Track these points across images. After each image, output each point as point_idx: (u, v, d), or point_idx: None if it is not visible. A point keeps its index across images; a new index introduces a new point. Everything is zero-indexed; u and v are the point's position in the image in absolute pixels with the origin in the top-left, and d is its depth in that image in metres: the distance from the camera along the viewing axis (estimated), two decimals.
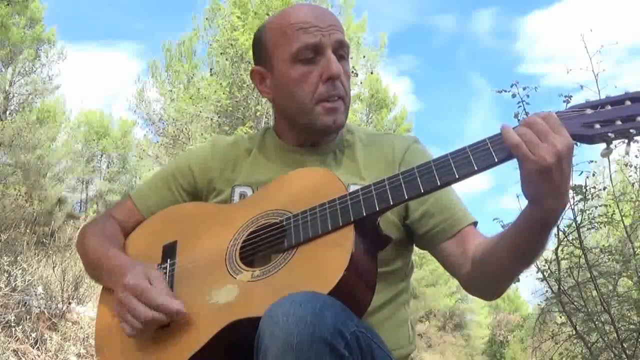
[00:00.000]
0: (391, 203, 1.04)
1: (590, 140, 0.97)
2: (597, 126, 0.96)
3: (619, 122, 0.95)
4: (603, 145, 0.96)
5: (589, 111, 0.98)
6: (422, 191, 1.02)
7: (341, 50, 1.27)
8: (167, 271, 1.21)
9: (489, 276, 1.15)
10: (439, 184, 1.01)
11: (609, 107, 0.97)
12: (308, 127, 1.28)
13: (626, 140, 0.96)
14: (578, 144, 1.00)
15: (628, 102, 0.96)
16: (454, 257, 1.22)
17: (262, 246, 1.13)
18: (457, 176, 1.00)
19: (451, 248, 1.22)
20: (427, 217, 1.23)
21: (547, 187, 0.94)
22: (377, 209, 1.05)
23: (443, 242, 1.23)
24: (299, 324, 0.83)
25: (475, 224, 1.24)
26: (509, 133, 0.96)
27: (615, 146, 0.96)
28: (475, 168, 0.99)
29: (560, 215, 1.00)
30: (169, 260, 1.23)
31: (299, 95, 1.25)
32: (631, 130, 0.94)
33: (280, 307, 0.87)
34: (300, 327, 0.83)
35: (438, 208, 1.23)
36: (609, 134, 0.94)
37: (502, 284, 1.17)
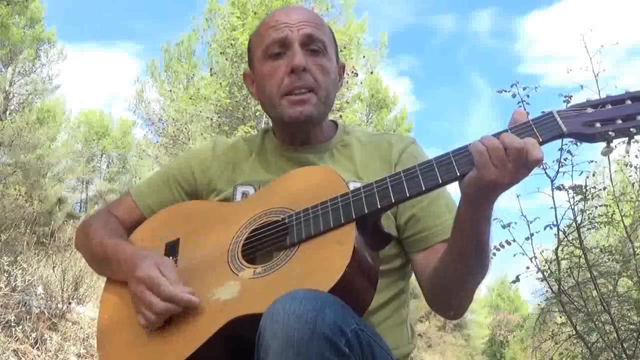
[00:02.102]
0: (393, 200, 1.05)
1: (591, 138, 0.97)
2: (598, 125, 0.97)
3: (619, 121, 0.96)
4: (603, 144, 0.97)
5: (589, 110, 0.99)
6: (424, 188, 1.03)
7: (312, 44, 1.27)
8: None
9: (441, 288, 1.17)
10: (440, 181, 1.02)
11: (610, 106, 0.98)
12: (279, 121, 1.31)
13: (626, 139, 0.97)
14: (578, 143, 1.02)
15: (628, 102, 0.97)
16: (420, 269, 1.23)
17: (264, 243, 1.14)
18: (458, 174, 1.00)
19: (420, 260, 1.24)
20: (413, 221, 1.24)
21: (487, 195, 1.00)
22: (379, 207, 1.05)
23: (416, 252, 1.25)
24: (299, 321, 0.84)
25: None
26: (476, 146, 0.98)
27: (615, 146, 0.97)
28: None
29: (484, 216, 1.04)
30: (171, 258, 1.23)
31: (267, 89, 1.28)
32: (631, 129, 0.95)
33: (281, 304, 0.87)
34: (301, 324, 0.84)
35: (425, 215, 1.24)
36: (610, 133, 0.95)
37: (452, 296, 1.18)
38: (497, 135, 0.98)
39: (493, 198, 1.01)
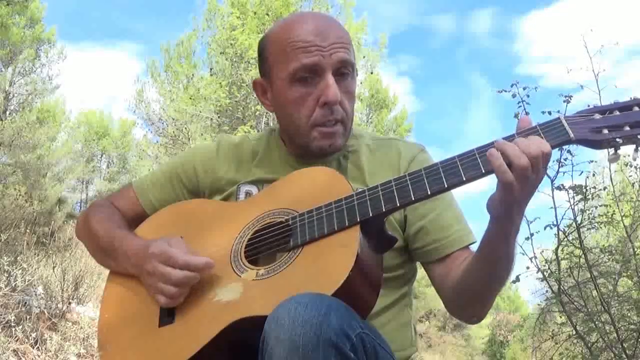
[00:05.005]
0: (398, 204, 1.04)
1: (598, 145, 0.97)
2: (605, 131, 0.96)
3: (627, 128, 0.95)
4: (610, 151, 0.97)
5: (597, 116, 0.98)
6: (429, 192, 1.02)
7: (344, 68, 1.22)
8: None
9: (466, 296, 1.17)
10: (445, 185, 1.01)
11: (617, 113, 0.98)
12: (304, 147, 1.27)
13: (634, 146, 0.96)
14: (580, 146, 1.01)
15: (636, 108, 0.97)
16: (439, 278, 1.23)
17: (268, 245, 1.13)
18: (464, 178, 1.00)
19: (437, 270, 1.23)
20: (423, 233, 1.24)
21: (516, 209, 0.99)
22: (384, 210, 1.04)
23: (431, 263, 1.24)
24: (304, 326, 0.84)
25: (469, 245, 1.24)
26: (499, 147, 0.97)
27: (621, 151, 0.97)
28: (483, 171, 0.99)
29: (515, 229, 1.04)
30: None
31: (295, 117, 1.24)
32: (639, 136, 0.94)
33: (286, 309, 0.87)
34: (306, 329, 0.83)
35: (435, 226, 1.23)
36: (617, 139, 0.95)
37: (477, 303, 1.18)
38: (509, 139, 0.98)
39: (523, 209, 1.01)
